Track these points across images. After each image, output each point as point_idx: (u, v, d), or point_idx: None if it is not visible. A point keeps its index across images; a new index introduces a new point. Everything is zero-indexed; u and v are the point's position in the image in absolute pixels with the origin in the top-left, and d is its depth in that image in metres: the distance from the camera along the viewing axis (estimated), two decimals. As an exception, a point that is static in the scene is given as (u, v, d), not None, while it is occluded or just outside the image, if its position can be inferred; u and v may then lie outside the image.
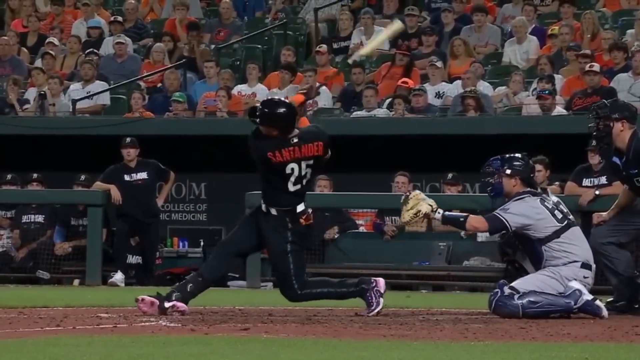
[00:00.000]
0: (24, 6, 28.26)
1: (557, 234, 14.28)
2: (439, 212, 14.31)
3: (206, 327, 12.69)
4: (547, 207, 14.37)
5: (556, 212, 14.38)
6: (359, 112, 23.95)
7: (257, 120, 14.25)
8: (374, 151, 22.66)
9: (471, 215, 14.39)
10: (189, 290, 14.40)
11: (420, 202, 14.26)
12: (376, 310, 14.36)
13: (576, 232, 14.49)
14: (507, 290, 14.00)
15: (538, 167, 20.17)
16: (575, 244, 14.35)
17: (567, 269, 14.18)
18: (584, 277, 14.26)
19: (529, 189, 14.49)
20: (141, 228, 22.66)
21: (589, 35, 24.31)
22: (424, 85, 24.11)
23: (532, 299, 14.03)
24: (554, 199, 14.58)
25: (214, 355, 10.03)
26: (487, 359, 10.00)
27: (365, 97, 23.95)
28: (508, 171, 14.48)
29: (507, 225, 14.17)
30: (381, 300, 14.44)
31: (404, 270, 21.96)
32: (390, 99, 23.75)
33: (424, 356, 10.14)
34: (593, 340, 11.82)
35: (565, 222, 14.39)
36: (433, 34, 25.50)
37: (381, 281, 14.50)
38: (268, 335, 11.94)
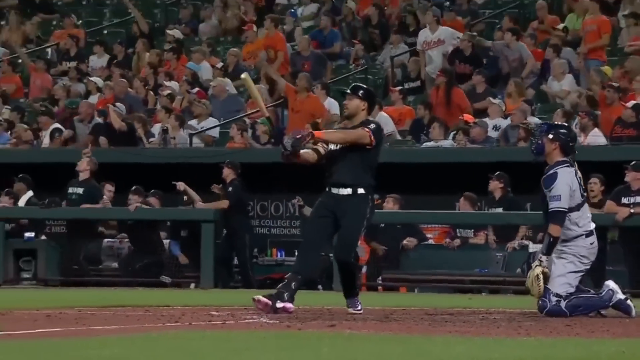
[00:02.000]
0: (148, 54, 28.24)
1: (578, 207, 14.08)
2: (543, 260, 13.96)
3: (299, 324, 12.63)
4: (578, 181, 14.17)
5: (581, 186, 14.21)
6: (427, 143, 23.80)
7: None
8: (440, 176, 22.50)
9: (550, 228, 13.94)
10: (293, 288, 14.30)
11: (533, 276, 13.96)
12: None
13: (587, 207, 14.30)
14: (553, 299, 13.84)
15: (594, 180, 20.07)
16: (586, 217, 14.12)
17: (579, 246, 13.98)
18: (591, 244, 14.05)
19: (565, 158, 14.20)
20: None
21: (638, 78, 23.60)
22: (483, 119, 23.88)
23: (575, 304, 13.89)
24: (579, 174, 14.35)
25: (306, 349, 9.96)
26: (537, 352, 9.86)
27: (433, 129, 23.78)
28: (551, 136, 14.21)
29: (566, 209, 13.93)
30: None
31: (467, 277, 21.91)
32: (454, 132, 23.56)
33: (483, 350, 10.02)
34: (629, 336, 11.68)
35: (584, 197, 14.24)
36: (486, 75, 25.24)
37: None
38: (351, 331, 11.86)
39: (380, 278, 22.20)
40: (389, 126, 22.88)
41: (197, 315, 13.91)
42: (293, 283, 14.25)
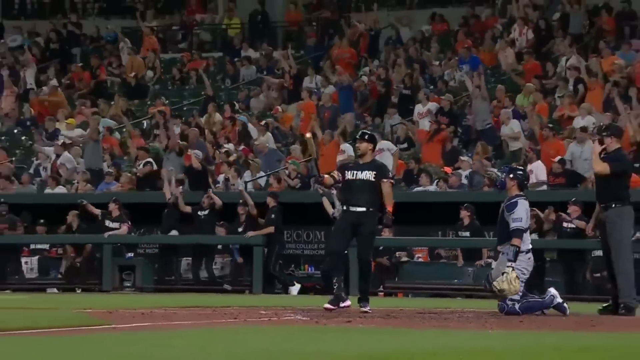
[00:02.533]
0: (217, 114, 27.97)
1: (527, 229, 13.88)
2: (511, 264, 13.59)
3: (325, 320, 12.50)
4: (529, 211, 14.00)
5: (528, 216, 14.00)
6: (417, 188, 23.59)
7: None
8: (426, 211, 22.32)
9: (513, 241, 13.60)
10: (342, 287, 14.27)
11: (504, 279, 13.63)
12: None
13: (529, 232, 14.07)
14: (509, 302, 13.65)
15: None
16: (528, 239, 13.84)
17: (523, 261, 13.63)
18: (529, 259, 13.73)
19: (521, 192, 13.95)
20: None
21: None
22: (458, 170, 23.63)
23: (526, 306, 13.71)
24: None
25: (329, 340, 9.85)
26: (499, 342, 9.73)
27: (421, 178, 23.53)
28: (511, 175, 14.01)
29: (525, 227, 13.72)
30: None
31: (446, 286, 21.67)
32: (437, 180, 23.36)
33: (460, 340, 9.90)
34: (566, 329, 11.54)
35: (529, 224, 14.04)
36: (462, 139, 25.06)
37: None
38: (363, 325, 11.76)
39: (381, 286, 21.99)
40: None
41: (250, 314, 13.78)
42: (340, 284, 14.27)
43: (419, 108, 25.64)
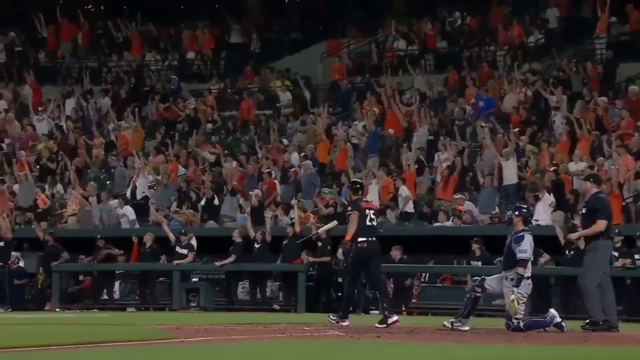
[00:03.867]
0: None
1: (530, 259, 13.67)
2: (514, 291, 13.42)
3: (358, 335, 12.44)
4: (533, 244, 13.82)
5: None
6: (436, 224, 23.42)
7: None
8: (441, 242, 22.18)
9: (518, 269, 13.41)
10: (386, 306, 14.70)
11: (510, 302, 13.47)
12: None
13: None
14: (515, 321, 13.53)
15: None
16: (529, 267, 13.61)
17: (525, 286, 13.45)
18: (529, 284, 13.50)
19: (526, 227, 13.77)
20: None
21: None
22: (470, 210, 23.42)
23: (529, 324, 13.57)
24: None
25: (362, 351, 9.80)
26: (508, 354, 9.63)
27: (439, 215, 23.37)
28: (517, 213, 13.84)
29: (530, 258, 13.55)
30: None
31: (461, 306, 21.32)
32: (453, 217, 23.18)
33: (475, 353, 9.81)
34: (564, 344, 11.41)
35: (532, 255, 13.78)
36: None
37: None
38: (391, 340, 11.67)
39: (403, 306, 21.69)
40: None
41: (295, 330, 13.72)
42: (385, 303, 14.78)
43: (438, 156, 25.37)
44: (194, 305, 23.04)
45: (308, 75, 32.10)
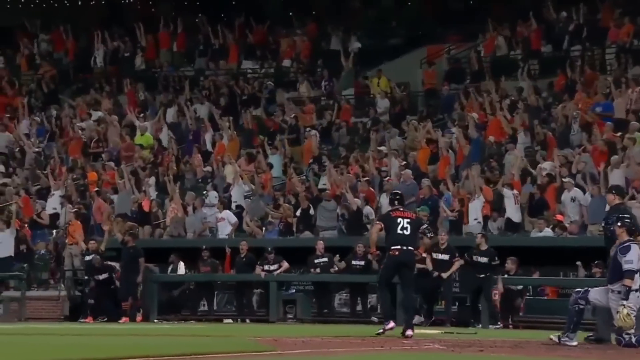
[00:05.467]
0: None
1: (638, 270, 13.41)
2: (625, 304, 13.31)
3: (459, 349, 12.34)
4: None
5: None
6: (538, 233, 23.01)
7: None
8: (544, 253, 21.88)
9: (625, 281, 13.31)
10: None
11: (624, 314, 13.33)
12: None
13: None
14: (626, 337, 13.27)
15: None
16: (637, 279, 13.39)
17: (634, 299, 13.26)
18: (637, 297, 13.33)
19: (630, 237, 13.61)
20: None
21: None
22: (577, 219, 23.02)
23: None
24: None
25: None
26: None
27: (539, 224, 22.81)
28: (619, 224, 13.72)
29: (637, 269, 13.32)
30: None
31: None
32: (551, 226, 22.72)
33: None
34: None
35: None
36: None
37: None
38: (494, 354, 11.53)
39: (510, 319, 21.48)
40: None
41: (394, 343, 13.73)
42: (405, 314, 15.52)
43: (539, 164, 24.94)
44: (291, 317, 23.18)
45: (407, 82, 32.07)
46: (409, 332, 14.76)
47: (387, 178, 25.14)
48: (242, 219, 25.49)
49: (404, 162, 26.03)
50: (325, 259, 23.04)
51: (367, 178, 25.39)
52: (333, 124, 30.18)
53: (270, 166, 27.29)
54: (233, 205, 26.07)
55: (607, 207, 15.08)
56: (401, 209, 15.40)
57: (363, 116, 30.95)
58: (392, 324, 15.03)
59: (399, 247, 14.86)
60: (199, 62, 35.10)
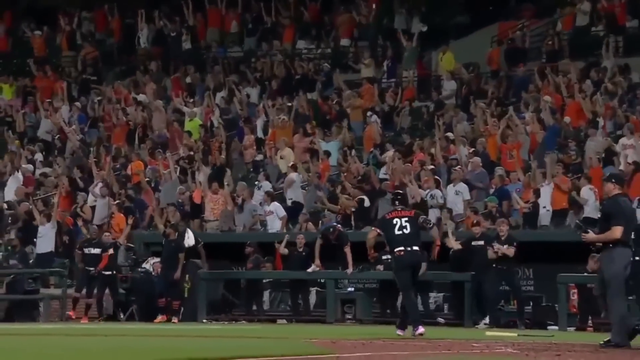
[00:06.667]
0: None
1: None
2: None
3: (534, 353, 12.16)
4: None
5: None
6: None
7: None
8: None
9: None
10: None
11: None
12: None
13: None
14: None
15: None
16: None
17: None
18: None
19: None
20: None
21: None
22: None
23: None
24: None
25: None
26: None
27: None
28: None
29: None
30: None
31: None
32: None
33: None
34: None
35: None
36: None
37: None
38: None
39: (590, 321, 21.15)
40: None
41: (463, 346, 13.60)
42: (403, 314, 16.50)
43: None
44: (349, 317, 23.13)
45: (476, 62, 31.69)
46: (420, 330, 15.38)
47: (458, 167, 24.81)
48: (298, 213, 25.25)
49: (472, 150, 25.77)
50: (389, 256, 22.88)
51: (432, 167, 25.15)
52: (395, 108, 29.93)
53: (328, 154, 27.16)
54: (288, 202, 25.76)
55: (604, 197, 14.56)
56: (399, 209, 15.90)
57: (427, 99, 30.72)
58: (422, 328, 15.46)
59: (402, 248, 15.48)
60: (249, 42, 34.97)
